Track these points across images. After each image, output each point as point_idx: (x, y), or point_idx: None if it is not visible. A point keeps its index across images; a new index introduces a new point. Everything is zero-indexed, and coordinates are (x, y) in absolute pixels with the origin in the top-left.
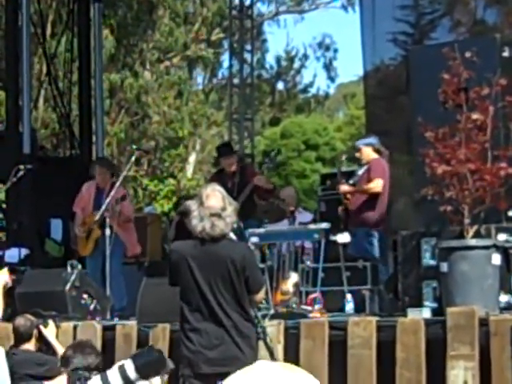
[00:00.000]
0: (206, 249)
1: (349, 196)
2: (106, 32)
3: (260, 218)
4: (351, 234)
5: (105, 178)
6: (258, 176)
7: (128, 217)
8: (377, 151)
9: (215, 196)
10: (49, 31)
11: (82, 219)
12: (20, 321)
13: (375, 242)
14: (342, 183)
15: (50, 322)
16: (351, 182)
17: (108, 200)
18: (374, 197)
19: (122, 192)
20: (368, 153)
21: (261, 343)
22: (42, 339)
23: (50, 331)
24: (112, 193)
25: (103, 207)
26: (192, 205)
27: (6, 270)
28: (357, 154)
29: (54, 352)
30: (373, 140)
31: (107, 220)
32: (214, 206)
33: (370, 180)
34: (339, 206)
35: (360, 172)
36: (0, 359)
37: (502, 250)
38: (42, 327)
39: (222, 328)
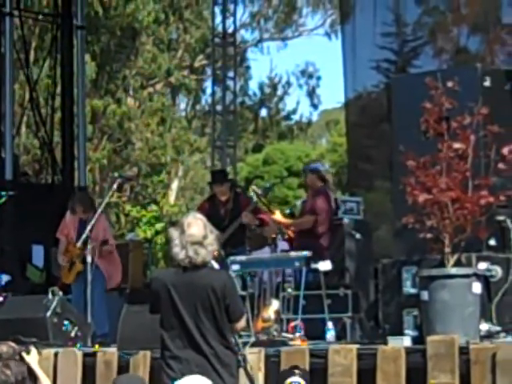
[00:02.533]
0: (187, 277)
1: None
2: (86, 57)
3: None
4: None
5: (86, 212)
6: (245, 212)
7: (110, 251)
8: (321, 179)
9: (197, 224)
10: (32, 57)
11: (66, 247)
12: (2, 348)
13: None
14: (274, 213)
15: (33, 348)
16: (288, 211)
17: (88, 229)
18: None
19: (102, 223)
20: (313, 180)
21: (241, 371)
22: None
23: (32, 358)
24: (92, 222)
25: (83, 236)
26: (173, 233)
27: None
28: (306, 180)
29: (35, 379)
30: (320, 166)
31: (89, 246)
32: (196, 234)
33: (307, 212)
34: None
35: (301, 201)
36: None
37: (483, 278)
38: (24, 354)
39: (202, 356)
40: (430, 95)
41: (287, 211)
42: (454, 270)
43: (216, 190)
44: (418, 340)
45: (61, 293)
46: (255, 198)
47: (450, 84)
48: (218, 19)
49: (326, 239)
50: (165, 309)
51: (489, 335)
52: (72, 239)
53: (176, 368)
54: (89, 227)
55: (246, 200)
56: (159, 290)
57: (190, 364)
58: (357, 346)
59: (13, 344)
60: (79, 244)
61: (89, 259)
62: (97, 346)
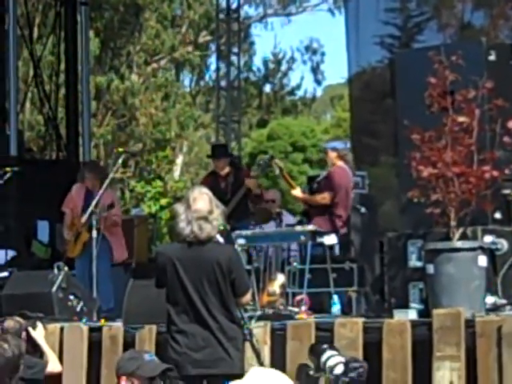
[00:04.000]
0: (193, 252)
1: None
2: (90, 33)
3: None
4: None
5: (94, 183)
6: (249, 178)
7: (115, 221)
8: (341, 157)
9: (202, 199)
10: (35, 34)
11: (71, 220)
12: (10, 323)
13: None
14: (295, 188)
15: (39, 324)
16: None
17: (95, 202)
18: (328, 205)
19: (110, 198)
20: (332, 158)
21: (247, 345)
22: (30, 341)
23: (38, 333)
24: (99, 195)
25: (90, 209)
26: (179, 208)
27: None
28: (325, 157)
29: (41, 354)
30: (339, 145)
31: (94, 222)
32: (201, 209)
33: (324, 190)
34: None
35: (320, 177)
36: None
37: (488, 251)
38: (30, 329)
39: (208, 330)
40: (434, 69)
41: (305, 186)
42: (459, 244)
43: (215, 164)
44: (424, 313)
45: (66, 268)
46: (277, 172)
47: (453, 58)
48: None
49: (342, 216)
50: (170, 283)
51: (494, 308)
52: (77, 213)
53: (182, 342)
54: (96, 198)
55: (246, 173)
56: (165, 265)
57: (196, 338)
58: (362, 319)
59: (19, 319)
60: (85, 217)
61: (94, 234)
62: (103, 320)
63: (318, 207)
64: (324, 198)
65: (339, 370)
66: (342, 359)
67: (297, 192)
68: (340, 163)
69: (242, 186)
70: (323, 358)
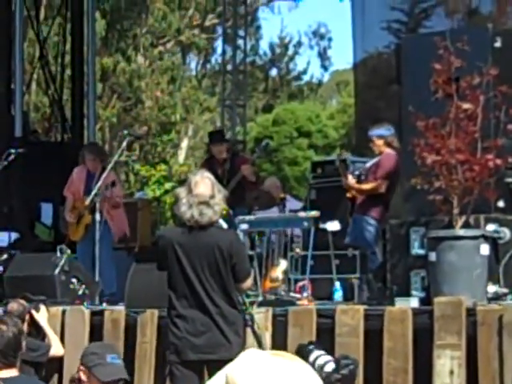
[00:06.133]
0: (194, 236)
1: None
2: (96, 15)
3: (250, 205)
4: (353, 221)
5: (95, 164)
6: (245, 165)
7: (117, 202)
8: (388, 144)
9: (204, 183)
10: (42, 15)
11: (73, 204)
12: (13, 305)
13: (373, 230)
14: (349, 175)
15: (42, 306)
16: (357, 172)
17: (98, 185)
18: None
19: (111, 177)
20: (379, 145)
21: (248, 330)
22: (33, 324)
23: (41, 316)
24: (102, 178)
25: (93, 192)
26: (181, 192)
27: None
28: (370, 145)
29: (43, 337)
30: (385, 132)
31: (97, 205)
32: (203, 194)
33: (376, 177)
34: (346, 193)
35: (368, 164)
36: None
37: (491, 240)
38: (34, 312)
39: (208, 315)
40: (438, 55)
41: (356, 173)
42: (462, 232)
43: (214, 150)
44: (426, 301)
45: (69, 251)
46: (337, 163)
47: (459, 44)
48: None
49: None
50: (171, 268)
51: (496, 297)
52: (79, 196)
53: (182, 327)
54: (99, 182)
55: (243, 159)
56: (165, 248)
57: (196, 323)
58: (364, 306)
59: (23, 302)
60: (87, 201)
61: (97, 217)
62: (105, 304)
63: (370, 196)
64: (380, 186)
65: (329, 367)
66: (330, 358)
67: (350, 181)
68: (388, 150)
69: (238, 171)
70: (311, 357)
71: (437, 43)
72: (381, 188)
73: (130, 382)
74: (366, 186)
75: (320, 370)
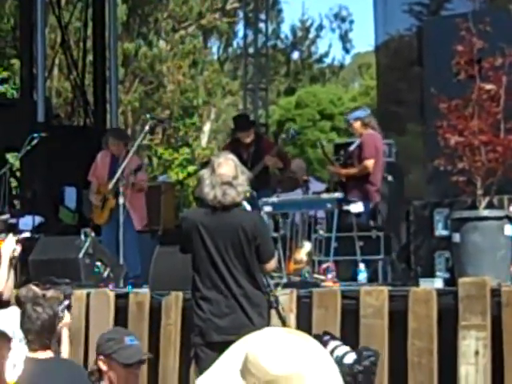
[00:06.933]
0: (217, 217)
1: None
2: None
3: (274, 187)
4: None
5: (118, 148)
6: (268, 156)
7: (142, 186)
8: (366, 125)
9: (227, 164)
10: (63, 0)
11: (97, 188)
12: (22, 291)
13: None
14: (332, 165)
15: (10, 237)
16: (341, 158)
17: (121, 168)
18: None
19: (136, 162)
20: (358, 127)
21: (273, 312)
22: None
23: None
24: (126, 161)
25: (116, 176)
26: (205, 173)
27: (11, 236)
28: (350, 129)
29: None
30: (361, 113)
31: (121, 189)
32: (226, 174)
33: (360, 159)
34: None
35: (351, 148)
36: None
37: None
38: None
39: (232, 296)
40: (461, 37)
41: (341, 155)
42: (485, 212)
43: (241, 136)
44: (450, 282)
45: (93, 234)
46: (320, 151)
47: (481, 25)
48: None
49: (377, 183)
50: (195, 249)
51: None
52: (103, 180)
53: (206, 308)
54: (122, 166)
55: (268, 143)
56: (189, 230)
57: (220, 304)
58: (388, 287)
59: (33, 287)
60: (112, 184)
61: (121, 200)
62: (129, 287)
63: (355, 178)
64: (367, 166)
65: (350, 359)
66: (348, 348)
67: (336, 169)
68: (368, 131)
69: (263, 155)
70: (328, 348)
71: (459, 25)
72: (369, 168)
73: (155, 365)
74: (355, 170)
75: (340, 360)
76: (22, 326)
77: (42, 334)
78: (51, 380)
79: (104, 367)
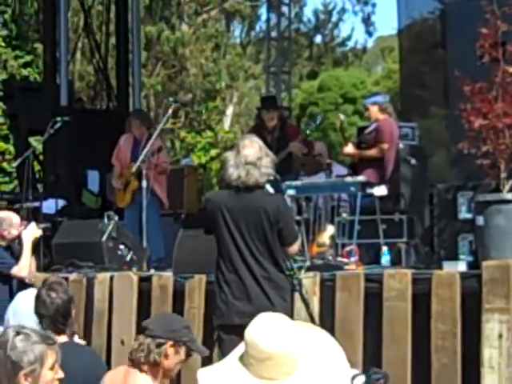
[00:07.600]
0: (240, 198)
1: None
2: None
3: (297, 171)
4: None
5: (141, 131)
6: (293, 143)
7: (164, 168)
8: (383, 110)
9: (252, 146)
10: None
11: (120, 171)
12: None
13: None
14: (350, 143)
15: (33, 224)
16: (356, 140)
17: (145, 152)
18: (379, 157)
19: (157, 144)
20: (374, 112)
21: (296, 295)
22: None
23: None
24: (148, 144)
25: (140, 159)
26: (229, 155)
27: (33, 224)
28: (366, 113)
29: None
30: (379, 98)
31: (144, 172)
32: (250, 155)
33: (376, 143)
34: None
35: (367, 131)
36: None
37: None
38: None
39: (254, 279)
40: (485, 20)
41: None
42: (509, 196)
43: (265, 116)
44: (473, 265)
45: (116, 217)
46: (338, 124)
47: (506, 8)
48: None
49: (390, 167)
50: (219, 231)
51: None
52: (126, 163)
53: (227, 291)
54: (145, 149)
55: (293, 128)
56: (213, 212)
57: (241, 287)
58: (412, 270)
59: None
60: (134, 167)
61: (144, 183)
62: (153, 270)
63: (368, 160)
64: (382, 150)
65: (359, 382)
66: (357, 371)
67: (349, 149)
68: (383, 116)
69: (287, 140)
70: None
71: (483, 8)
72: (383, 152)
73: None
74: (371, 151)
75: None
76: (36, 311)
77: (56, 319)
78: (65, 365)
79: (171, 352)
